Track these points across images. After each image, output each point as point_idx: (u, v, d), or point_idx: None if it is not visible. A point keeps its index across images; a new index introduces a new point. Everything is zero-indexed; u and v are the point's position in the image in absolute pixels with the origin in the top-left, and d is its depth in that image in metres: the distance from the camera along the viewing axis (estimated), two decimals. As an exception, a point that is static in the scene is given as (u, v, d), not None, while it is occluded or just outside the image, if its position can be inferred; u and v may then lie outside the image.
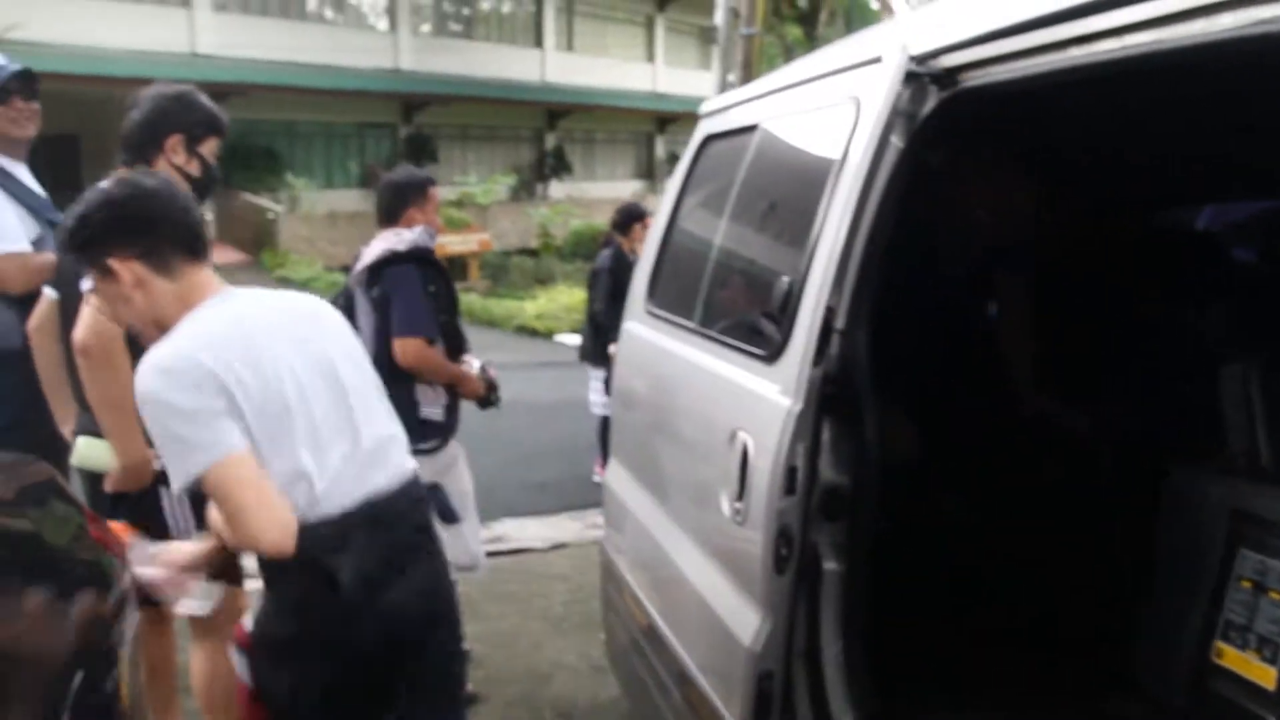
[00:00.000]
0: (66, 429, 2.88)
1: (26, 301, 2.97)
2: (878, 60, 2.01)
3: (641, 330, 3.06)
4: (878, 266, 1.90)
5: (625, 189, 28.63)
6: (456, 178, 24.52)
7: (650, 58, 33.26)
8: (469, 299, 15.90)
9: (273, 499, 1.89)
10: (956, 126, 1.94)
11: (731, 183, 2.64)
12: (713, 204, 2.79)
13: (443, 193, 3.95)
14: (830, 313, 1.89)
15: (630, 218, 6.37)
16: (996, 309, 3.34)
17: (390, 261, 3.51)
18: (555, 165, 29.51)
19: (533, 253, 23.31)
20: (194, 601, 2.18)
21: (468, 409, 3.76)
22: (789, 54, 22.25)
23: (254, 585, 2.23)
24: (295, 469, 1.93)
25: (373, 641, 1.99)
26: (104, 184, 2.01)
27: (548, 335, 14.80)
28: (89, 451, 2.66)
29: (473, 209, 23.19)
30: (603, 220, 17.37)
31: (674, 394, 2.73)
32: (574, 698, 3.78)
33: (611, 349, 6.05)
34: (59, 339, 2.78)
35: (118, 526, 2.24)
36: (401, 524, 2.09)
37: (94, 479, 2.67)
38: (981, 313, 3.35)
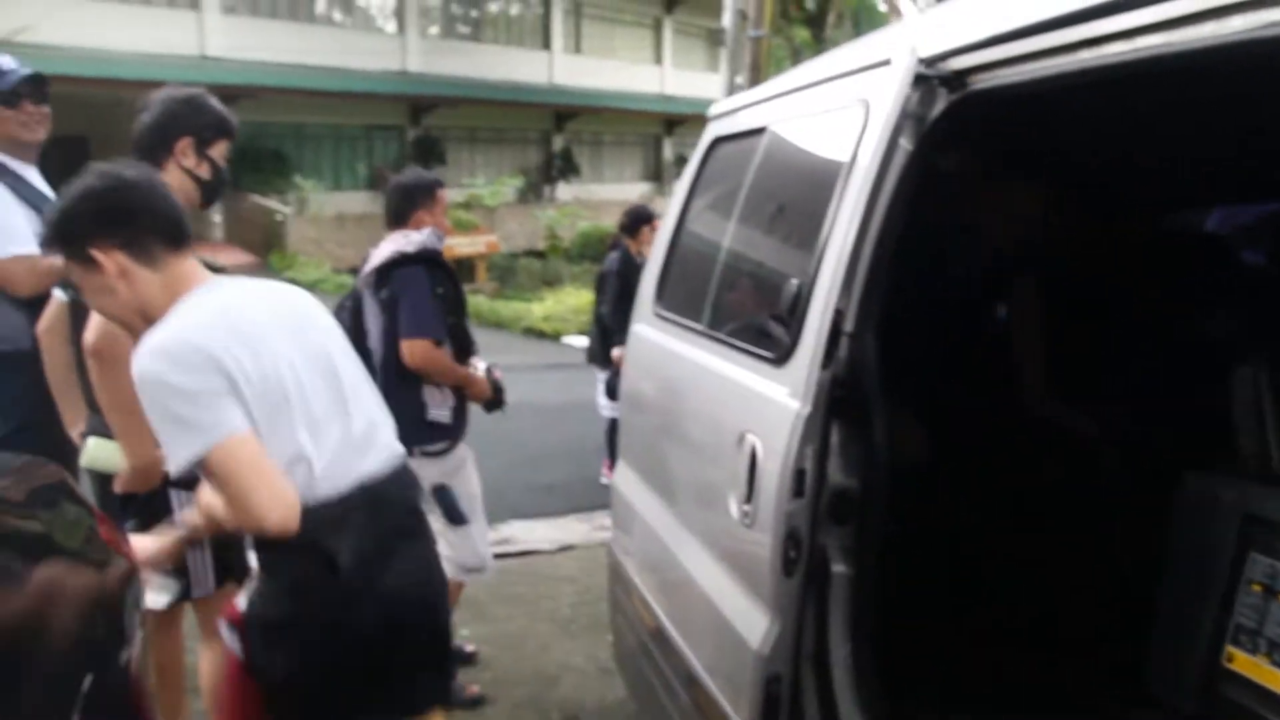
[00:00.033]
0: (75, 431, 2.89)
1: (36, 304, 2.98)
2: (887, 63, 2.01)
3: (650, 333, 3.06)
4: (887, 269, 1.89)
5: (633, 191, 28.66)
6: (464, 180, 24.56)
7: (658, 60, 33.27)
8: (476, 301, 15.93)
9: (276, 479, 1.92)
10: (966, 129, 1.94)
11: (740, 185, 2.64)
12: (721, 206, 2.79)
13: (450, 194, 3.96)
14: (839, 315, 1.88)
15: (638, 220, 6.37)
16: (1005, 312, 3.33)
17: (398, 263, 3.52)
18: (563, 167, 29.53)
19: (540, 255, 23.32)
20: (151, 594, 2.20)
21: (474, 411, 3.76)
22: (797, 56, 22.23)
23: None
24: (295, 451, 1.96)
25: (371, 623, 2.02)
26: (84, 177, 2.03)
27: (555, 337, 14.81)
28: (99, 453, 2.67)
29: (480, 211, 23.21)
30: (610, 222, 17.37)
31: (682, 396, 2.73)
32: (581, 700, 3.78)
33: (615, 352, 6.09)
34: (69, 341, 2.79)
35: None
36: (395, 506, 2.13)
37: (104, 480, 2.68)
38: (991, 316, 3.34)
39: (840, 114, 2.19)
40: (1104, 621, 2.71)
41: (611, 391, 6.29)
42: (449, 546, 3.66)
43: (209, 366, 1.88)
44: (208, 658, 2.84)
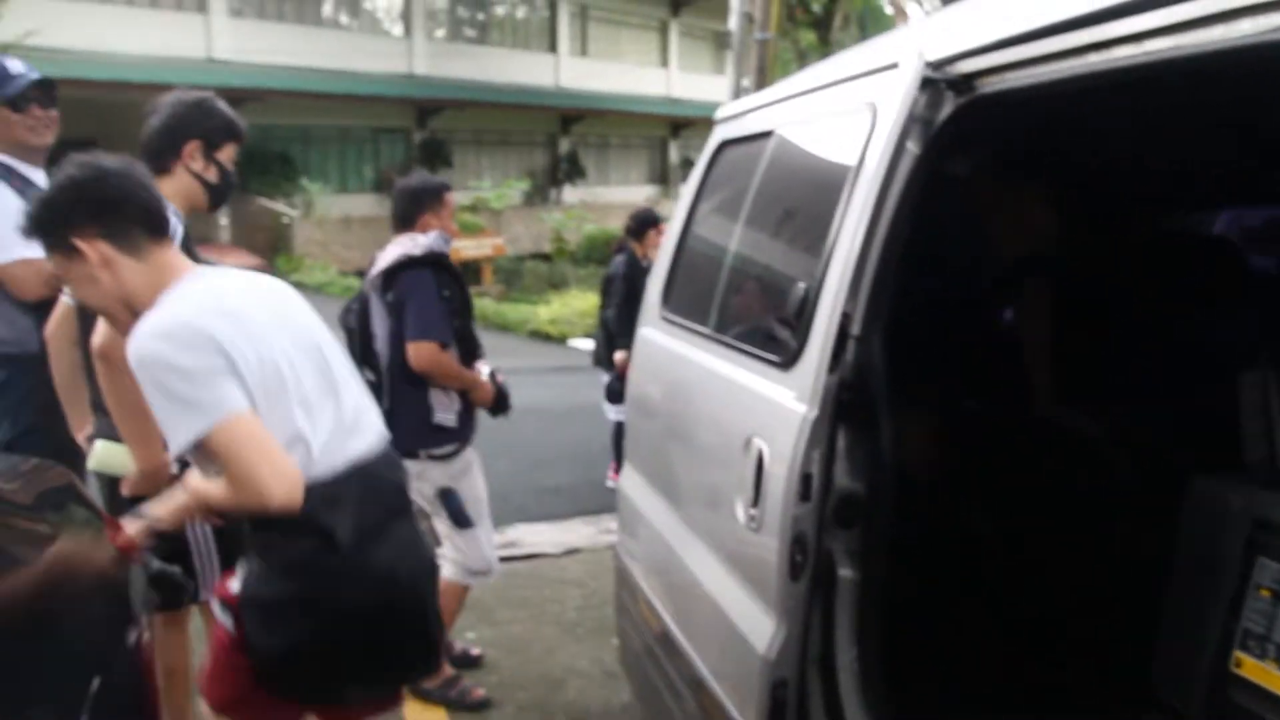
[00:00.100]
0: (82, 435, 2.89)
1: (43, 307, 2.99)
2: (894, 66, 2.00)
3: (656, 336, 3.06)
4: (894, 273, 1.89)
5: (639, 194, 28.68)
6: (470, 182, 24.60)
7: (664, 63, 33.28)
8: (482, 304, 15.95)
9: (279, 456, 1.94)
10: (973, 133, 1.93)
11: (747, 188, 2.64)
12: (728, 210, 2.79)
13: (457, 197, 3.96)
14: (846, 319, 1.88)
15: (644, 223, 6.37)
16: (1013, 315, 3.33)
17: (405, 266, 3.52)
18: (569, 170, 29.56)
19: (546, 257, 23.33)
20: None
21: (481, 414, 3.77)
22: (803, 59, 22.26)
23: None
24: (293, 432, 1.99)
25: (367, 598, 2.05)
26: (64, 167, 2.05)
27: (561, 340, 14.81)
28: (107, 456, 2.67)
29: (486, 214, 23.25)
30: (616, 225, 17.36)
31: (689, 400, 2.73)
32: (587, 703, 3.78)
33: (618, 355, 6.09)
34: (76, 344, 2.79)
35: None
36: (386, 485, 2.17)
37: (112, 483, 2.68)
38: (998, 319, 3.34)
39: (847, 117, 2.18)
40: (1110, 625, 2.70)
41: (611, 394, 6.30)
42: (455, 550, 3.67)
43: (209, 346, 1.91)
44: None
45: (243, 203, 20.09)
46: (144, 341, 1.91)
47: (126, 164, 2.08)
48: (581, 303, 15.70)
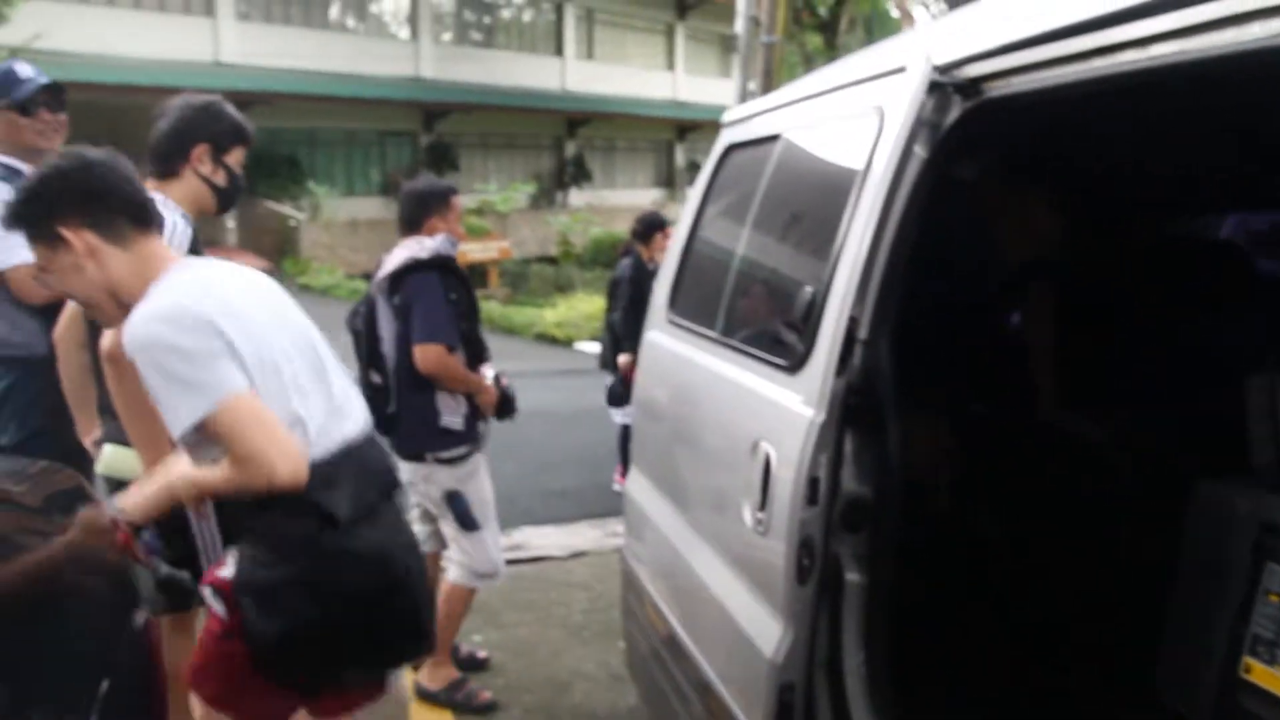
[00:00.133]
0: (89, 439, 2.89)
1: (51, 310, 2.99)
2: (901, 70, 2.01)
3: (663, 339, 3.06)
4: (901, 276, 1.89)
5: (645, 197, 28.69)
6: (477, 185, 24.62)
7: (670, 66, 33.30)
8: (489, 307, 15.94)
9: (282, 434, 1.97)
10: (980, 136, 1.93)
11: (754, 192, 2.64)
12: (735, 213, 2.79)
13: (463, 200, 3.97)
14: (853, 323, 1.88)
15: (651, 227, 6.37)
16: (1019, 319, 3.33)
17: (412, 269, 3.53)
18: (575, 173, 29.58)
19: (552, 260, 23.34)
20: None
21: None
22: (809, 62, 22.25)
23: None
24: (292, 415, 2.02)
25: (365, 576, 2.08)
26: (47, 159, 2.08)
27: (567, 343, 14.82)
28: (115, 460, 2.68)
29: (493, 217, 23.27)
30: (622, 228, 17.36)
31: (696, 403, 2.73)
32: (593, 707, 3.78)
33: (622, 359, 6.09)
34: (85, 347, 2.80)
35: None
36: (376, 466, 2.20)
37: (120, 487, 2.69)
38: (1005, 323, 3.34)
39: (855, 121, 2.19)
40: (1116, 630, 2.69)
41: (614, 398, 6.30)
42: (461, 552, 3.67)
43: (207, 329, 1.94)
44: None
45: (249, 206, 20.14)
46: (143, 325, 1.93)
47: (111, 156, 2.10)
48: (588, 306, 15.72)
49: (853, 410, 1.89)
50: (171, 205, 2.70)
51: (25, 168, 3.17)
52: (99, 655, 1.87)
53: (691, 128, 31.70)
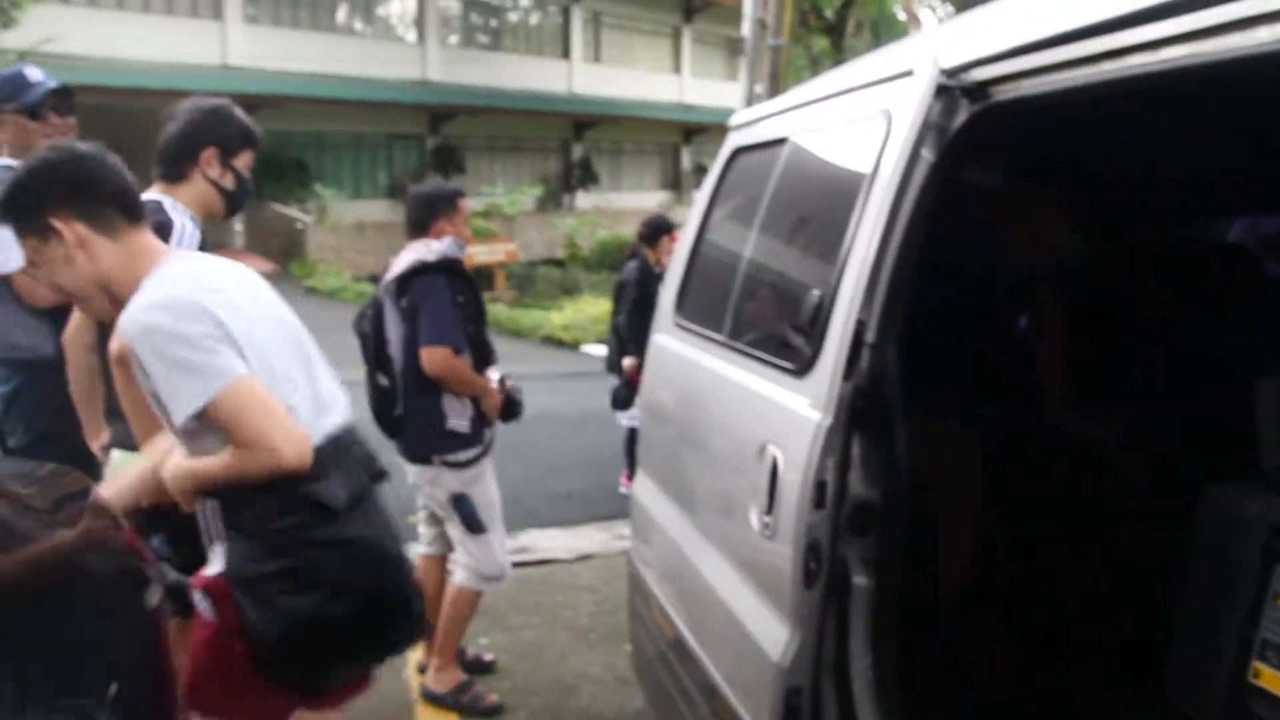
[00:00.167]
0: (97, 444, 2.89)
1: (59, 312, 3.00)
2: (909, 74, 2.00)
3: (670, 343, 3.06)
4: (909, 280, 1.89)
5: (651, 200, 28.69)
6: (483, 188, 24.63)
7: (677, 69, 33.31)
8: (495, 309, 15.95)
9: (285, 417, 1.99)
10: (988, 140, 1.93)
11: (761, 196, 2.64)
12: (742, 217, 2.79)
13: (470, 203, 3.97)
14: (861, 326, 1.88)
15: (658, 230, 6.37)
16: (1028, 322, 3.32)
17: (419, 272, 3.54)
18: (582, 176, 29.59)
19: (559, 263, 23.35)
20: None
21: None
22: (815, 65, 22.22)
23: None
24: (285, 404, 2.03)
25: (362, 569, 2.09)
26: (37, 153, 2.08)
27: (574, 346, 14.83)
28: (125, 466, 2.68)
29: (499, 219, 23.28)
30: (629, 231, 17.34)
31: (702, 407, 2.73)
32: (600, 709, 3.78)
33: (627, 361, 6.09)
34: (94, 349, 2.80)
35: None
36: (363, 456, 2.21)
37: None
38: (1013, 326, 3.33)
39: (862, 125, 2.18)
40: (1124, 632, 2.69)
41: (617, 401, 6.30)
42: (468, 555, 3.67)
43: (206, 317, 1.96)
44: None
45: (257, 208, 20.18)
46: (143, 314, 1.95)
47: (100, 149, 2.11)
48: (594, 308, 15.72)
49: (860, 414, 1.89)
50: (180, 208, 2.71)
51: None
52: (112, 636, 1.89)
53: (698, 130, 31.70)
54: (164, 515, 2.60)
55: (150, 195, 2.73)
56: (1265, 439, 2.30)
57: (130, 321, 1.95)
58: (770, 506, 2.03)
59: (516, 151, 28.71)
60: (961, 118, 1.86)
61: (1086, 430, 3.01)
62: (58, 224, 1.99)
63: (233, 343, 1.97)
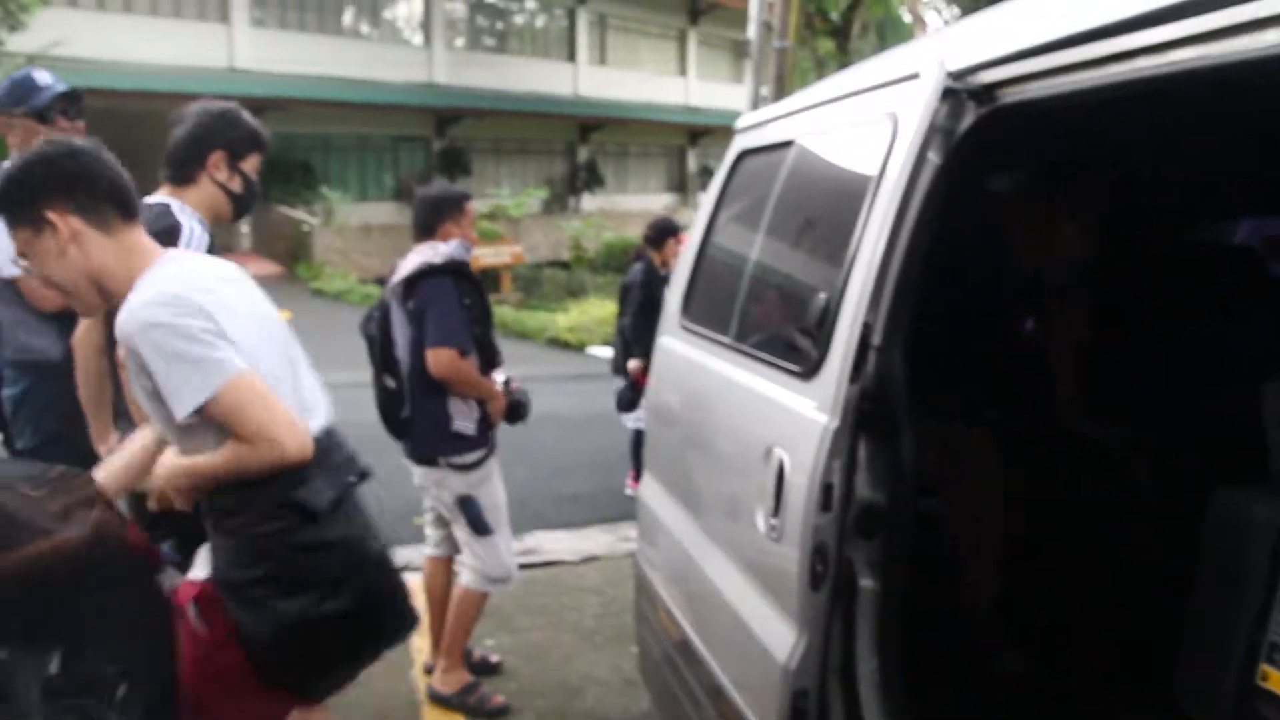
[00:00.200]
0: (104, 448, 2.89)
1: (66, 315, 3.01)
2: (915, 76, 2.00)
3: (676, 345, 3.06)
4: (915, 283, 1.89)
5: (657, 202, 28.71)
6: (489, 190, 24.67)
7: (683, 71, 33.33)
8: (501, 311, 15.94)
9: (284, 409, 2.01)
10: (995, 143, 1.93)
11: (767, 198, 2.64)
12: (748, 219, 2.79)
13: (475, 205, 3.98)
14: (867, 329, 1.88)
15: (663, 232, 6.38)
16: (1035, 325, 3.32)
17: (426, 274, 3.54)
18: (587, 178, 29.62)
19: (565, 265, 23.37)
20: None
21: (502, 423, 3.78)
22: (821, 67, 22.22)
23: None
24: None
25: (353, 567, 2.10)
26: (34, 147, 2.08)
27: (580, 348, 14.83)
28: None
29: (505, 221, 23.30)
30: (635, 233, 17.36)
31: (709, 409, 2.73)
32: (605, 711, 3.78)
33: (632, 364, 6.09)
34: (103, 352, 2.81)
35: None
36: (345, 457, 2.21)
37: (138, 498, 2.69)
38: (1020, 329, 3.33)
39: (868, 127, 2.19)
40: (1132, 636, 2.69)
41: (623, 403, 6.30)
42: (474, 557, 3.68)
43: (203, 314, 1.97)
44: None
45: (264, 211, 20.23)
46: (143, 310, 1.95)
47: (96, 145, 2.12)
48: (600, 311, 15.72)
49: (866, 416, 1.89)
50: (188, 211, 2.71)
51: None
52: (132, 619, 1.94)
53: (703, 133, 31.73)
54: (171, 519, 2.61)
55: (158, 198, 2.74)
56: (1273, 442, 2.29)
57: (130, 318, 1.96)
58: (776, 509, 2.03)
59: (522, 154, 28.75)
60: (968, 121, 1.86)
61: (1094, 433, 3.00)
62: (52, 216, 1.99)
63: (228, 340, 1.98)
